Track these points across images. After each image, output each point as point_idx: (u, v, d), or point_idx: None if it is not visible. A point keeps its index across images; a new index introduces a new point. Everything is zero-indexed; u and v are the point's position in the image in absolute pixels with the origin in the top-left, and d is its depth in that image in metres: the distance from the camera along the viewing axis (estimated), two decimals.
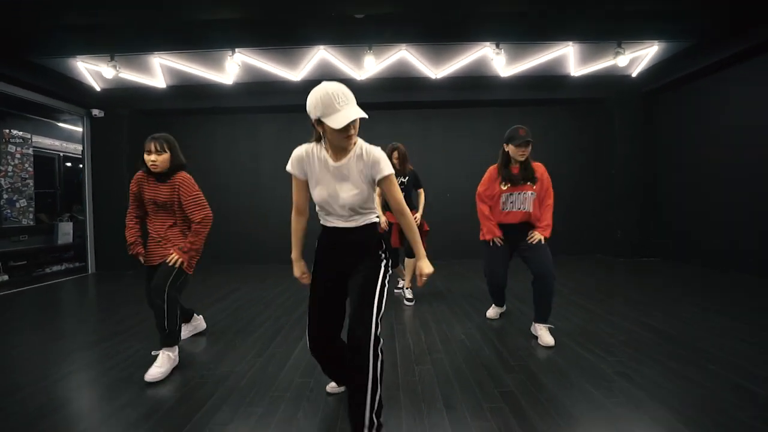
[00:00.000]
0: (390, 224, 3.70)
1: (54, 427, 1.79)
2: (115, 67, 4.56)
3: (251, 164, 6.47)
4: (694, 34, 4.43)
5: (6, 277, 5.71)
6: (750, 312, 3.18)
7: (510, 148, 2.71)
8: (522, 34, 4.41)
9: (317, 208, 1.68)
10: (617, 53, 4.58)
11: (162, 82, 5.51)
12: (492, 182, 2.82)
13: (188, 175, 2.44)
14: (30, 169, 6.73)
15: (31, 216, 6.68)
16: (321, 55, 4.90)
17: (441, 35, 4.41)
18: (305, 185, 1.67)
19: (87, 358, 2.59)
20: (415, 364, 2.37)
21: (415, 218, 3.72)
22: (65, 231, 6.90)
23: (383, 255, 1.67)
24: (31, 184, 6.73)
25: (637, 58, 5.19)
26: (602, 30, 4.31)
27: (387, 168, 1.56)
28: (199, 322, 3.01)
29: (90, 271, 6.16)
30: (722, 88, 4.83)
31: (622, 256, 6.05)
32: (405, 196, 3.70)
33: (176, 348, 2.37)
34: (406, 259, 3.89)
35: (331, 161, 1.56)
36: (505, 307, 3.35)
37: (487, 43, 4.68)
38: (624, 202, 6.06)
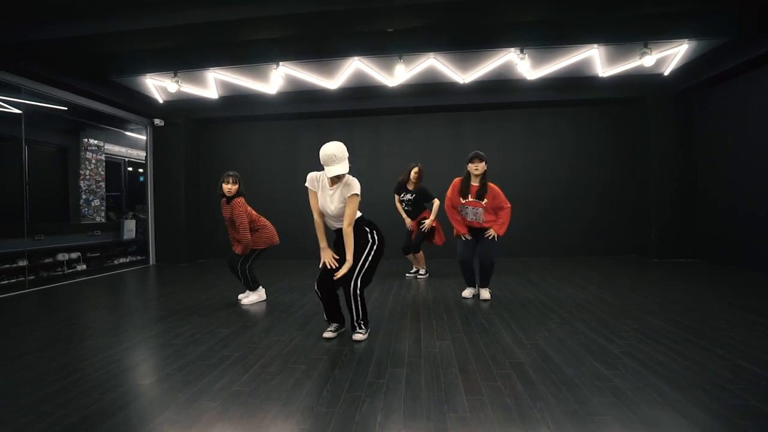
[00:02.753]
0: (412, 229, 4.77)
1: (126, 382, 2.24)
2: (177, 82, 5.21)
3: (290, 165, 6.97)
4: (725, 32, 4.39)
5: (84, 266, 6.56)
6: None
7: (468, 166, 3.49)
8: (545, 39, 4.57)
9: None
10: (643, 53, 4.61)
11: (215, 94, 6.14)
12: (455, 193, 3.58)
13: (241, 200, 3.60)
14: (102, 173, 7.65)
15: (102, 214, 7.60)
16: (356, 65, 5.30)
17: (466, 44, 4.67)
18: (316, 195, 2.64)
19: (153, 330, 3.10)
20: (437, 340, 2.66)
21: (427, 217, 4.70)
22: (129, 228, 7.76)
23: (369, 234, 2.67)
24: (103, 186, 7.65)
25: (668, 56, 5.17)
26: (627, 32, 4.38)
27: (355, 189, 2.53)
28: (262, 293, 3.94)
29: (150, 263, 6.92)
30: (764, 84, 4.71)
31: (657, 257, 5.97)
32: (415, 207, 4.70)
33: (259, 290, 3.89)
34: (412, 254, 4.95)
35: (328, 187, 2.59)
36: (476, 288, 3.86)
37: (512, 49, 4.88)
38: (660, 202, 5.98)
